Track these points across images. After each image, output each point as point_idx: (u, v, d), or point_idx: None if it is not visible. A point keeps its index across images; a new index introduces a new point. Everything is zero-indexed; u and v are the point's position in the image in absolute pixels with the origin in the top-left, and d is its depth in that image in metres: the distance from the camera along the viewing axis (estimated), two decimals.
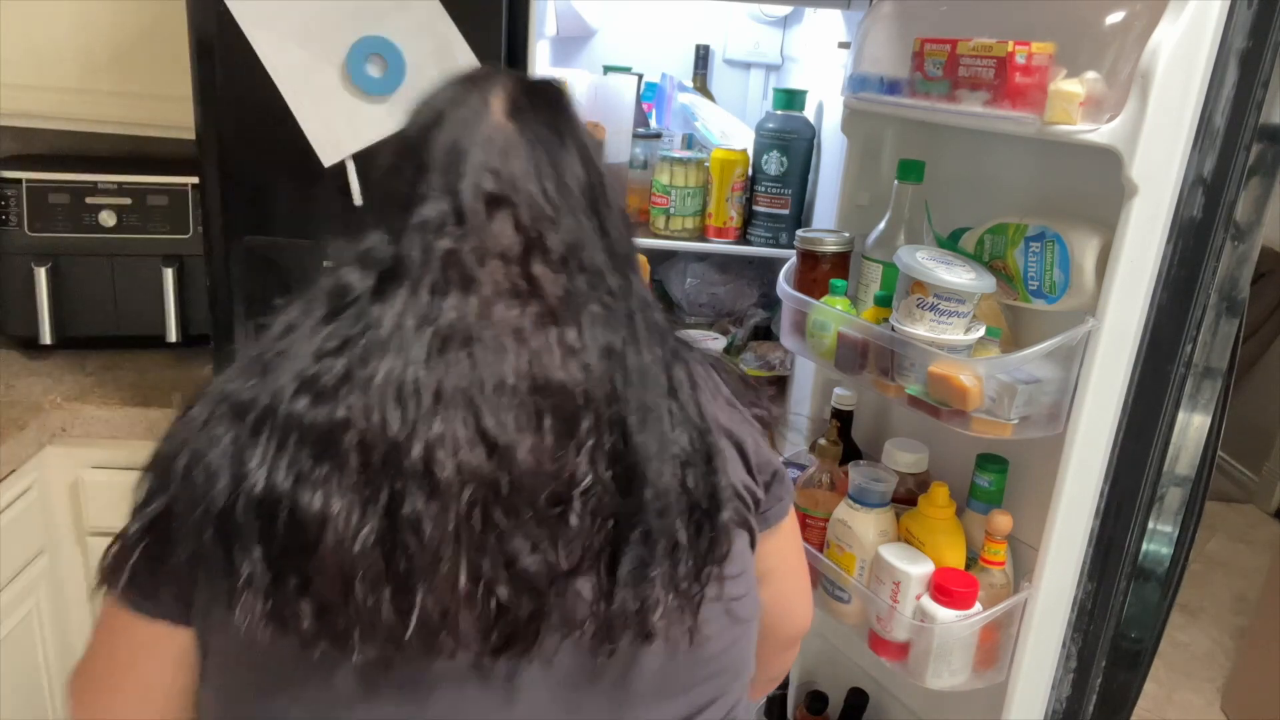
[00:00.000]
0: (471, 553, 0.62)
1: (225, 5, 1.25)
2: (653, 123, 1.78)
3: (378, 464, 0.62)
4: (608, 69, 1.76)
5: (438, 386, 0.63)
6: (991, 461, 1.12)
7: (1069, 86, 0.92)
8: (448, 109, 0.74)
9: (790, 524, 0.86)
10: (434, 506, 0.61)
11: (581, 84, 1.49)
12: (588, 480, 0.65)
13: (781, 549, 0.85)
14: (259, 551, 0.61)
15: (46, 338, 1.73)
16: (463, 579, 0.61)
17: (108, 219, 1.71)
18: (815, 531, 1.24)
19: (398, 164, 0.74)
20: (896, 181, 1.19)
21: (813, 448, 1.33)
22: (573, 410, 0.65)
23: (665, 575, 0.66)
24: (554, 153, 0.71)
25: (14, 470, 1.51)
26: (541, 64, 1.44)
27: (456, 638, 0.62)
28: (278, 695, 0.65)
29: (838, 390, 1.31)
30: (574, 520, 0.64)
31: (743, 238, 1.63)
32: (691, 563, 0.68)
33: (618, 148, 1.56)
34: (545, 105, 0.74)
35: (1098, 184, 0.97)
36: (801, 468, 1.32)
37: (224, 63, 1.29)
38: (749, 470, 0.78)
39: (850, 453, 1.30)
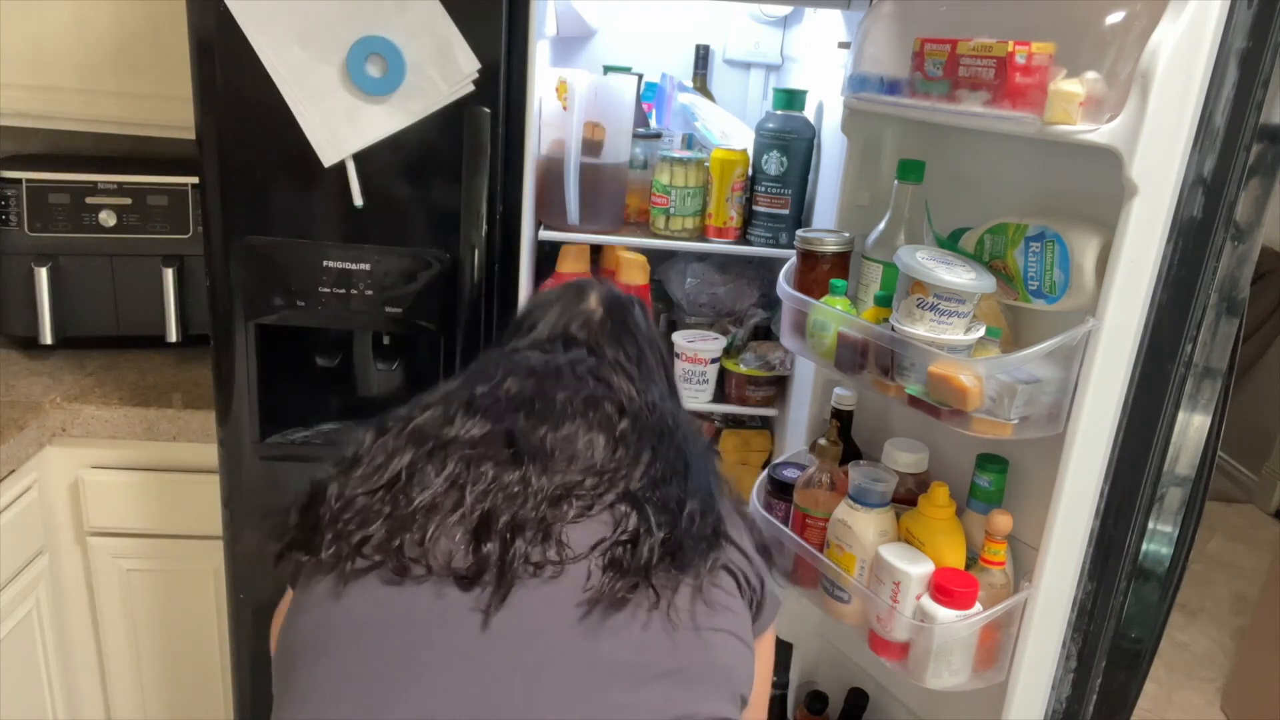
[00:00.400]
0: (468, 511, 0.78)
1: (225, 5, 1.25)
2: (653, 123, 1.78)
3: (416, 450, 0.83)
4: (608, 69, 1.76)
5: (479, 424, 0.84)
6: (991, 461, 1.12)
7: (1069, 86, 0.92)
8: (556, 295, 1.02)
9: (770, 639, 0.93)
10: (442, 479, 0.80)
11: (581, 84, 1.49)
12: (592, 486, 0.80)
13: (761, 657, 0.89)
14: (303, 516, 0.84)
15: (46, 338, 1.73)
16: (457, 530, 0.77)
17: (108, 219, 1.71)
18: (815, 531, 1.24)
19: (511, 325, 1.03)
20: (896, 181, 1.19)
21: (813, 448, 1.33)
22: (608, 441, 0.83)
23: (650, 563, 0.77)
24: (632, 327, 0.98)
25: (14, 470, 1.51)
26: (541, 64, 1.44)
27: (431, 564, 0.76)
28: (311, 585, 0.81)
29: (838, 390, 1.31)
30: (570, 508, 0.79)
31: (743, 238, 1.63)
32: (676, 561, 0.78)
33: (617, 148, 1.56)
34: (627, 305, 1.02)
35: (1098, 184, 0.97)
36: (801, 468, 1.32)
37: (224, 63, 1.29)
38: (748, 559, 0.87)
39: (850, 453, 1.30)
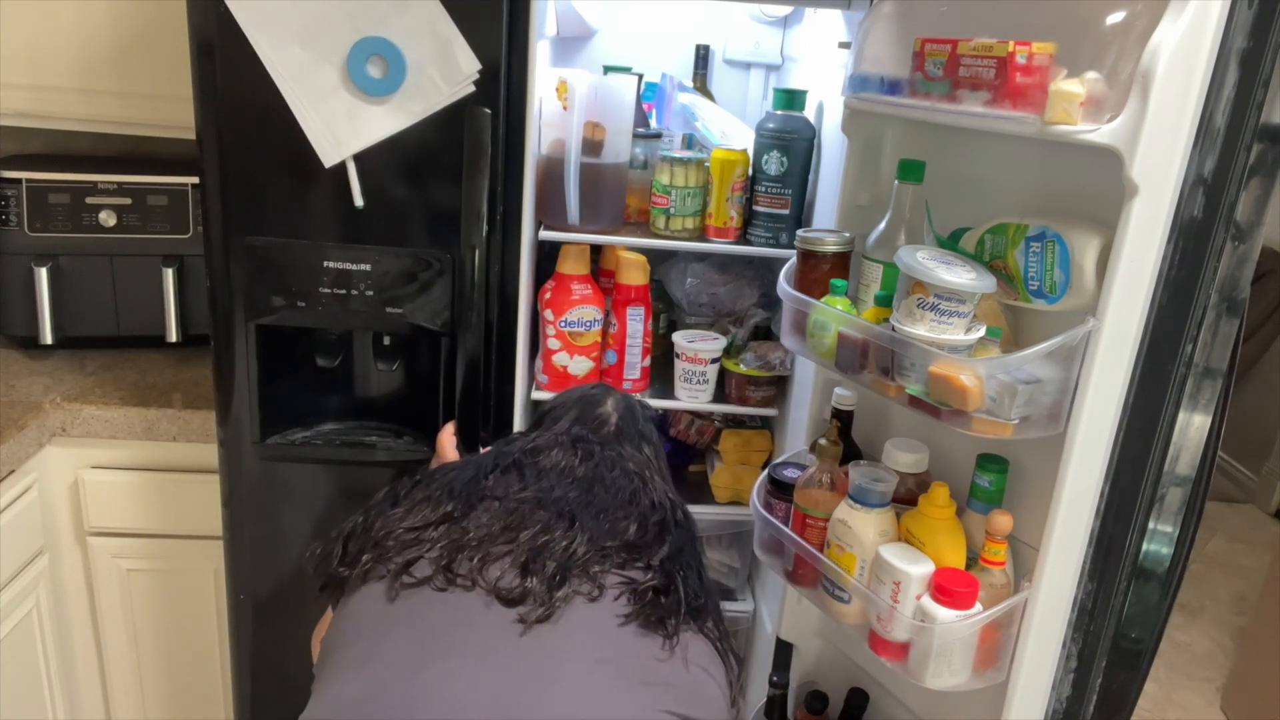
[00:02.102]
0: (520, 546, 0.90)
1: (225, 5, 1.25)
2: (653, 123, 1.78)
3: (456, 502, 0.97)
4: (608, 69, 1.76)
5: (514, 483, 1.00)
6: (991, 461, 1.12)
7: (1069, 86, 0.92)
8: (577, 396, 1.19)
9: None
10: (497, 519, 0.94)
11: (581, 84, 1.49)
12: (627, 556, 0.93)
13: None
14: (345, 545, 0.97)
15: (46, 338, 1.73)
16: (506, 560, 0.90)
17: (108, 219, 1.71)
18: (815, 531, 1.24)
19: (537, 416, 1.20)
20: (896, 181, 1.19)
21: (813, 448, 1.33)
22: (640, 526, 0.97)
23: (673, 607, 0.92)
24: (641, 429, 1.15)
25: (14, 470, 1.51)
26: (542, 64, 1.44)
27: (479, 582, 0.88)
28: (358, 592, 0.93)
29: (838, 390, 1.31)
30: (609, 563, 0.92)
31: (743, 238, 1.63)
32: (689, 611, 0.93)
33: (618, 148, 1.56)
34: (636, 407, 1.19)
35: (1098, 184, 0.97)
36: (801, 468, 1.32)
37: (224, 63, 1.29)
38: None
39: (850, 453, 1.29)
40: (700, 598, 0.94)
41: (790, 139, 1.55)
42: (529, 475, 1.00)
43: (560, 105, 1.51)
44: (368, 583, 0.92)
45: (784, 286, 1.30)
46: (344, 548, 0.97)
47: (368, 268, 1.38)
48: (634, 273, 1.62)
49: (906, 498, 1.19)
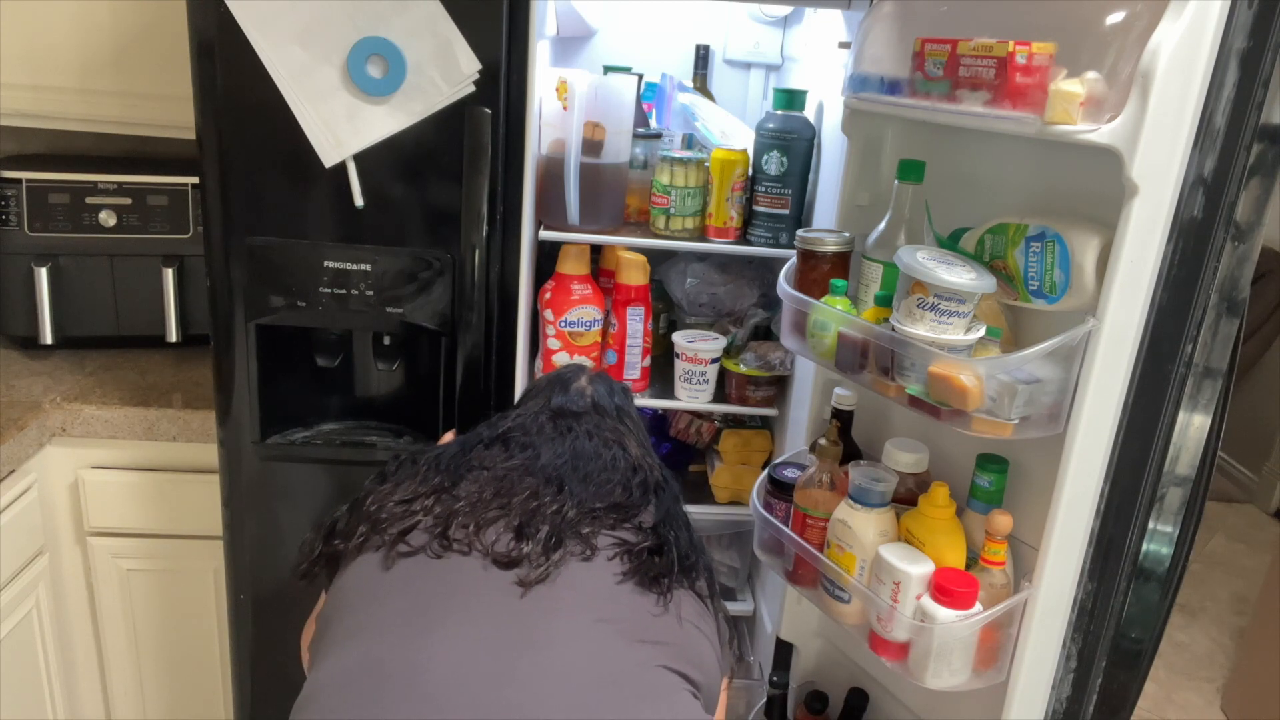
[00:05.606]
0: (513, 512, 0.92)
1: (225, 5, 1.25)
2: (653, 123, 1.78)
3: (444, 474, 0.99)
4: (608, 69, 1.76)
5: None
6: (991, 461, 1.12)
7: (1069, 86, 0.92)
8: (553, 376, 1.20)
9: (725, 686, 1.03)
10: (488, 487, 0.96)
11: (581, 84, 1.49)
12: (618, 517, 0.96)
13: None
14: (338, 525, 0.99)
15: (46, 338, 1.73)
16: (500, 524, 0.91)
17: (108, 219, 1.71)
18: (815, 531, 1.24)
19: (523, 396, 1.21)
20: (896, 181, 1.19)
21: (813, 448, 1.33)
22: (625, 489, 1.00)
23: (668, 566, 0.93)
24: (617, 402, 1.16)
25: (14, 470, 1.51)
26: (542, 64, 1.43)
27: (475, 546, 0.90)
28: (353, 564, 0.94)
29: (838, 390, 1.31)
30: (600, 525, 0.94)
31: (743, 238, 1.63)
32: (681, 569, 0.94)
33: (618, 148, 1.56)
34: (611, 383, 1.21)
35: (1098, 184, 0.97)
36: (801, 468, 1.32)
37: (224, 63, 1.29)
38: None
39: (850, 453, 1.29)
40: (691, 556, 0.96)
41: (790, 139, 1.55)
42: (513, 447, 1.03)
43: (560, 105, 1.51)
44: (363, 554, 0.93)
45: (784, 286, 1.30)
46: (334, 528, 0.99)
47: (367, 267, 1.38)
48: (634, 273, 1.62)
49: (906, 498, 1.19)
